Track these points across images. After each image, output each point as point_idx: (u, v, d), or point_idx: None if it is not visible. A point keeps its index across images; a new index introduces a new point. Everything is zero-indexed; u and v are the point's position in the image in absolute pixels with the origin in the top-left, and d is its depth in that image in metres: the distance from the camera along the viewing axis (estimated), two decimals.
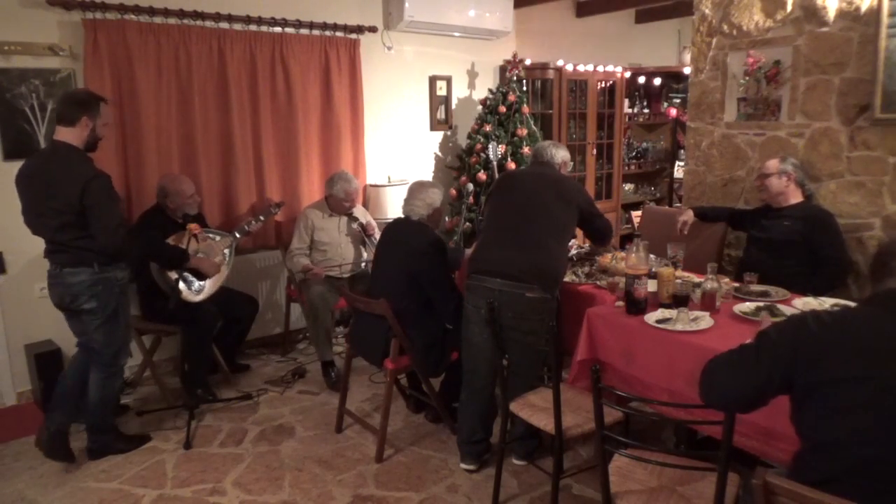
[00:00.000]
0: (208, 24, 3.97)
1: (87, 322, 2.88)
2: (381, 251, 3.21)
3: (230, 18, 4.03)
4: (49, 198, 2.71)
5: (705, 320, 2.39)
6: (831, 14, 3.31)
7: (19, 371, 3.63)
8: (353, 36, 4.59)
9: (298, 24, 4.32)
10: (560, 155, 3.13)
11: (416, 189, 3.14)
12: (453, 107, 5.39)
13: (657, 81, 6.77)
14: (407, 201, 3.15)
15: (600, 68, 5.96)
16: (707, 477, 1.90)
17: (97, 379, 2.96)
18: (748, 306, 2.51)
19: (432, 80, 5.22)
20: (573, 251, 3.45)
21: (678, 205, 5.93)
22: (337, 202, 4.09)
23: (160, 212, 3.62)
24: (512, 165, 4.88)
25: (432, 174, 5.38)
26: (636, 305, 2.52)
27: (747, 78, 3.67)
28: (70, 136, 2.76)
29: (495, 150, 4.75)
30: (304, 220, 4.07)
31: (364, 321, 3.15)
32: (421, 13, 4.71)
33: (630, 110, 6.68)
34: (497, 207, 2.95)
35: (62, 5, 3.50)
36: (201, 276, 3.38)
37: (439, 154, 5.42)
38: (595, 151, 6.09)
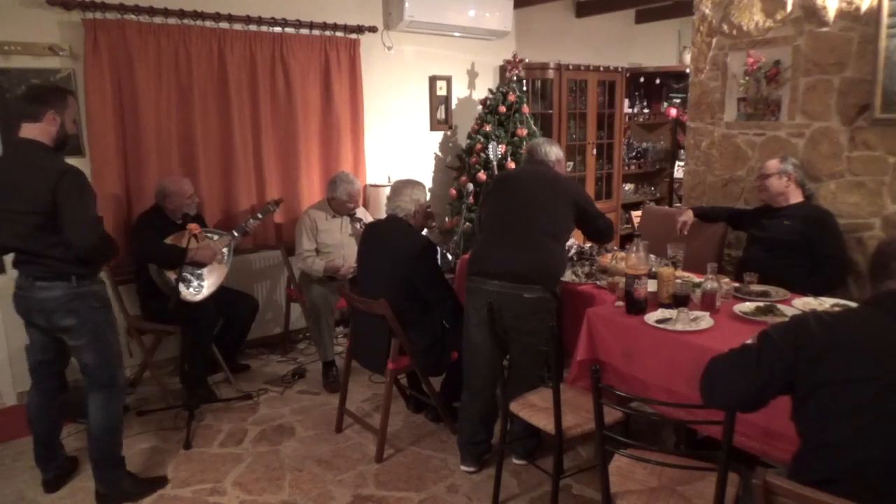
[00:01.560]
0: (208, 24, 3.97)
1: (71, 346, 2.62)
2: (367, 252, 3.18)
3: (230, 18, 4.03)
4: (14, 199, 2.40)
5: (705, 320, 2.39)
6: (831, 14, 3.31)
7: (19, 371, 3.63)
8: (353, 36, 4.59)
9: (298, 24, 4.32)
10: (554, 152, 3.07)
11: (402, 186, 3.13)
12: (453, 107, 5.39)
13: (657, 81, 6.77)
14: (392, 199, 3.12)
15: (600, 68, 5.96)
16: (707, 477, 1.90)
17: (98, 403, 2.64)
18: (748, 306, 2.51)
19: (432, 80, 5.22)
20: (573, 251, 3.45)
21: (678, 205, 5.93)
22: (340, 204, 4.08)
23: (159, 213, 3.62)
24: (512, 165, 4.87)
25: (432, 174, 5.38)
26: (636, 305, 2.51)
27: (747, 78, 3.67)
28: (36, 132, 2.46)
29: (495, 150, 4.75)
30: (307, 221, 4.07)
31: (363, 325, 3.14)
32: (421, 13, 4.71)
33: (630, 110, 6.68)
34: (495, 208, 2.95)
35: (62, 5, 3.50)
36: (202, 268, 3.35)
37: (439, 154, 5.42)
38: (595, 151, 6.09)
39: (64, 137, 2.54)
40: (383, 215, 4.57)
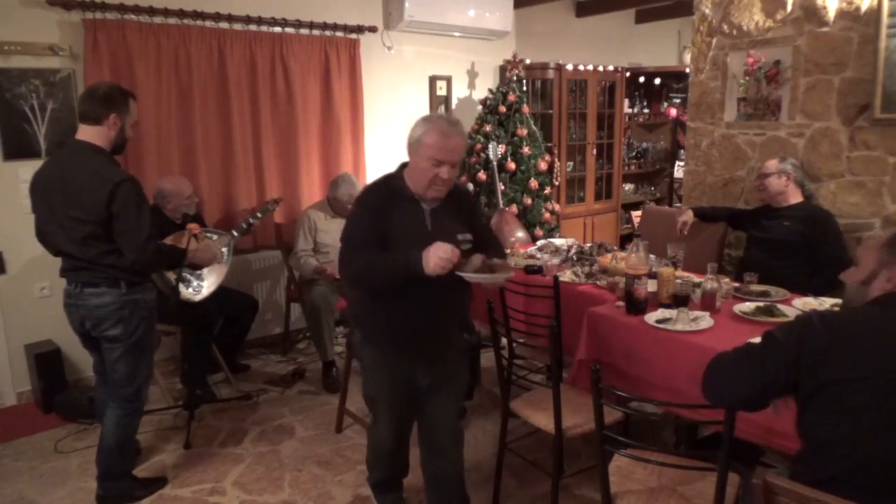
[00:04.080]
0: (208, 24, 3.97)
1: (107, 350, 2.56)
2: None
3: (230, 18, 4.03)
4: (71, 206, 2.37)
5: (705, 320, 2.39)
6: (831, 14, 3.31)
7: (19, 371, 3.63)
8: (353, 36, 4.59)
9: (298, 24, 4.32)
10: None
11: None
12: (453, 107, 5.39)
13: (657, 81, 6.77)
14: None
15: (600, 68, 5.96)
16: (707, 477, 1.90)
17: (115, 416, 2.60)
18: (748, 306, 2.51)
19: (432, 80, 5.22)
20: (573, 251, 3.45)
21: (678, 205, 5.93)
22: (340, 205, 4.08)
23: (158, 213, 3.61)
24: (512, 166, 4.88)
25: None
26: (636, 305, 2.51)
27: (747, 78, 3.67)
28: (94, 135, 2.42)
29: (495, 150, 4.75)
30: (306, 220, 4.06)
31: None
32: (421, 13, 4.71)
33: (630, 110, 6.68)
34: None
35: (62, 5, 3.50)
36: (201, 268, 3.34)
37: None
38: (595, 151, 6.09)
39: (121, 142, 2.50)
40: None
